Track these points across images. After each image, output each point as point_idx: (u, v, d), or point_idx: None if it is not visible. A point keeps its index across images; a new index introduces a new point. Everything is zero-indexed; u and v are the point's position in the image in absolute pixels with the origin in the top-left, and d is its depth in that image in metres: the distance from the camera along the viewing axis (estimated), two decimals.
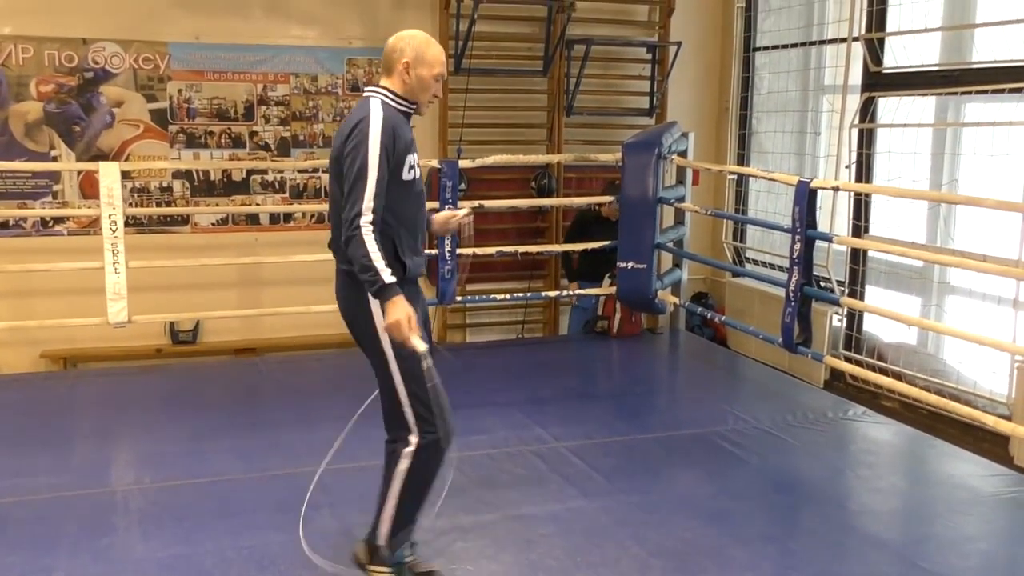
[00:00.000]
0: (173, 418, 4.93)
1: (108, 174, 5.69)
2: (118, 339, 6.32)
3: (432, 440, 3.00)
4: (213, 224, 6.82)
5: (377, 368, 3.03)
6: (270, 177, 6.91)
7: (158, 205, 6.66)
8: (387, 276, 2.84)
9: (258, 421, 4.87)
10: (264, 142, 6.85)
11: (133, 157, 6.57)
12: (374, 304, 2.93)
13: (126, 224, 5.77)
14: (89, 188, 6.34)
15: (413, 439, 3.00)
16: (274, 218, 6.96)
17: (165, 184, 6.69)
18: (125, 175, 6.26)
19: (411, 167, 3.02)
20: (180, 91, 6.63)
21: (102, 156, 6.42)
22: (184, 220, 6.75)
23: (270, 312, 6.50)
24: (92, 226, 6.25)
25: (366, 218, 2.84)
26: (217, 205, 6.79)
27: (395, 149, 2.94)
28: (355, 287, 2.97)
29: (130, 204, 6.48)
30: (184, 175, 6.71)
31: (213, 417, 4.92)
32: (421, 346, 2.85)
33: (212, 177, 6.77)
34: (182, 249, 6.53)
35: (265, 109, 6.83)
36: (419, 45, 3.05)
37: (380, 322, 2.92)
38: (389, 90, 3.06)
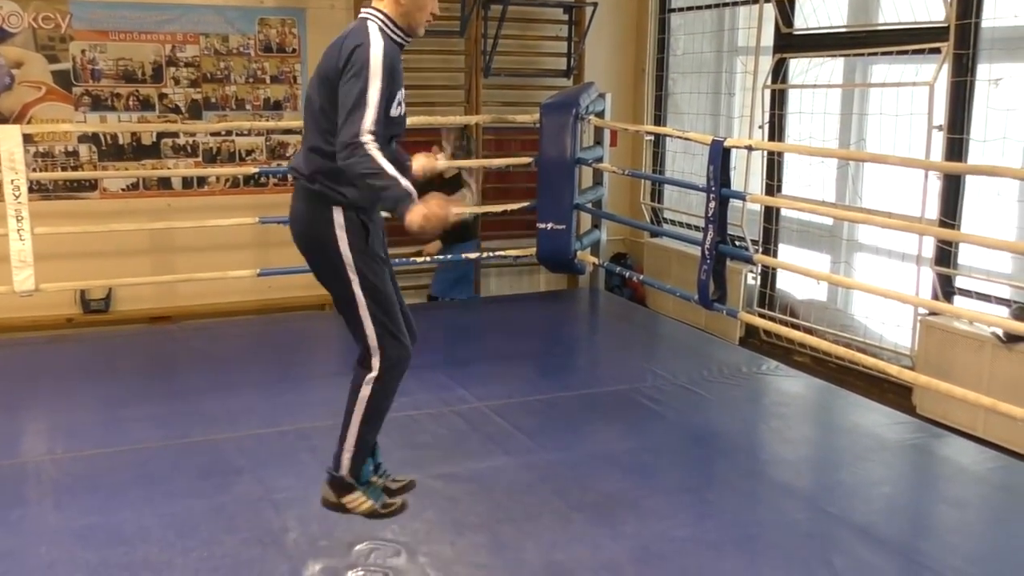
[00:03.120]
0: (86, 388, 4.82)
1: (8, 138, 5.46)
2: (26, 309, 6.12)
3: (394, 359, 2.95)
4: (123, 189, 6.63)
5: (339, 293, 2.96)
6: (182, 141, 6.73)
7: (64, 170, 6.44)
8: (406, 183, 2.72)
9: (175, 389, 4.79)
10: (174, 105, 6.66)
11: (36, 120, 6.32)
12: (338, 225, 2.88)
13: (30, 190, 5.57)
14: None
15: (376, 363, 2.94)
16: (187, 183, 6.79)
17: (71, 148, 6.46)
18: (27, 139, 6.01)
19: (399, 103, 2.94)
20: (83, 52, 6.39)
21: (2, 119, 6.16)
22: (92, 185, 6.54)
23: (185, 279, 6.37)
24: None
25: (368, 136, 2.72)
26: (127, 170, 6.59)
27: (392, 82, 2.84)
28: (318, 208, 2.90)
29: (34, 169, 6.25)
30: (91, 139, 6.49)
31: (128, 386, 4.82)
32: (463, 204, 2.82)
33: (121, 141, 6.56)
34: (91, 215, 6.33)
35: (174, 71, 6.63)
36: None
37: (344, 243, 2.87)
38: (385, 15, 2.93)
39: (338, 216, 2.89)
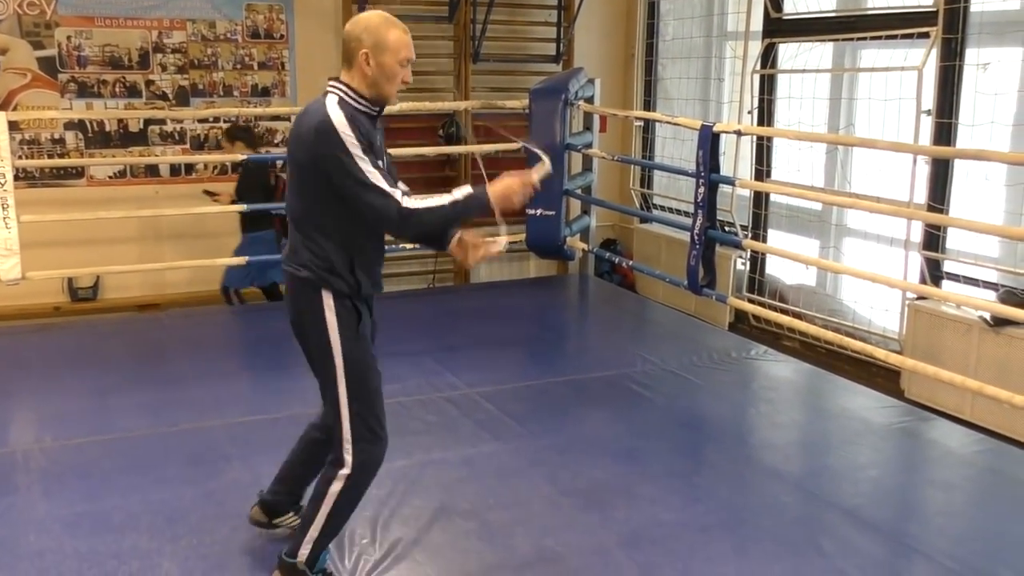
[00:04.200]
0: (75, 376, 4.80)
1: None
2: (13, 297, 6.10)
3: (366, 459, 2.84)
4: (110, 177, 6.60)
5: (324, 382, 2.84)
6: (169, 127, 6.70)
7: (50, 157, 6.40)
8: (461, 194, 2.72)
9: (164, 377, 4.77)
10: (161, 91, 6.63)
11: (21, 107, 6.28)
12: (328, 313, 2.76)
13: (16, 177, 5.54)
14: None
15: (348, 459, 2.81)
16: (175, 170, 6.76)
17: (57, 135, 6.43)
18: (13, 126, 5.98)
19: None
20: (69, 38, 6.34)
21: None
22: (79, 173, 6.51)
23: (173, 266, 6.35)
24: None
25: (399, 199, 2.63)
26: (114, 157, 6.55)
27: (368, 146, 2.69)
28: (306, 296, 2.78)
29: (20, 156, 6.21)
30: (77, 126, 6.46)
31: (117, 374, 4.80)
32: (542, 169, 2.84)
33: (107, 128, 6.53)
34: (78, 203, 6.31)
35: (161, 57, 6.60)
36: (377, 30, 2.70)
37: (335, 332, 2.76)
38: (349, 86, 2.74)
39: (328, 301, 2.76)
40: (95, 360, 5.06)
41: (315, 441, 3.04)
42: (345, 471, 2.81)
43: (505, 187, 2.76)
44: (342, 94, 2.74)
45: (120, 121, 6.55)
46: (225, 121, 6.68)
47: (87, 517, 3.32)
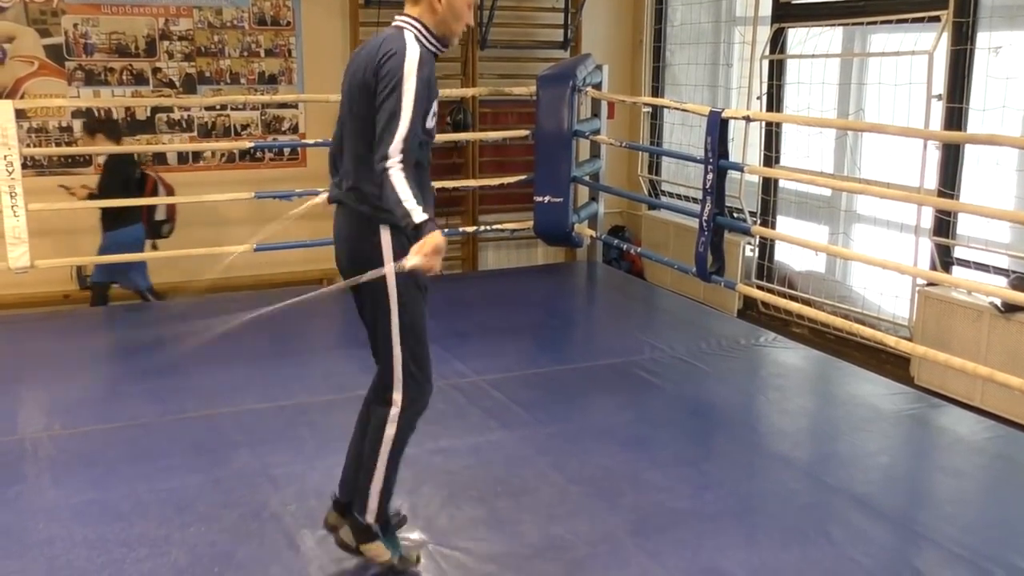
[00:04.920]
0: (83, 364, 4.81)
1: (1, 113, 5.42)
2: (21, 286, 6.10)
3: (416, 398, 2.87)
4: None
5: (376, 319, 2.83)
6: (176, 115, 6.69)
7: (58, 145, 6.40)
8: (418, 215, 2.58)
9: (172, 365, 4.76)
10: (168, 79, 6.62)
11: (28, 95, 6.28)
12: (387, 250, 2.74)
13: (24, 166, 5.54)
14: None
15: (398, 398, 2.83)
16: (182, 158, 6.75)
17: (65, 123, 6.42)
18: (20, 114, 5.97)
19: (433, 114, 2.80)
20: (76, 25, 6.33)
21: None
22: (87, 161, 6.50)
23: (180, 254, 6.34)
24: None
25: (396, 159, 2.61)
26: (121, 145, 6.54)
27: (428, 92, 2.71)
28: (365, 232, 2.77)
29: (27, 145, 6.21)
30: (85, 114, 6.45)
31: (125, 362, 4.82)
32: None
33: (114, 115, 6.52)
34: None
35: (168, 44, 6.58)
36: None
37: (391, 268, 2.71)
38: (420, 23, 2.77)
39: (386, 238, 2.75)
40: (103, 348, 5.07)
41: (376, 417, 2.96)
42: (395, 410, 2.84)
43: (433, 247, 2.57)
44: (416, 31, 2.77)
45: (127, 109, 6.54)
46: (252, 108, 6.66)
47: (96, 505, 3.33)
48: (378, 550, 2.92)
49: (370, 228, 2.77)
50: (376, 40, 2.79)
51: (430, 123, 2.78)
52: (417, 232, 2.59)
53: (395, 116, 2.63)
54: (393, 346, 2.82)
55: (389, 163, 2.61)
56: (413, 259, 2.58)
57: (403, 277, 2.74)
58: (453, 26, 2.82)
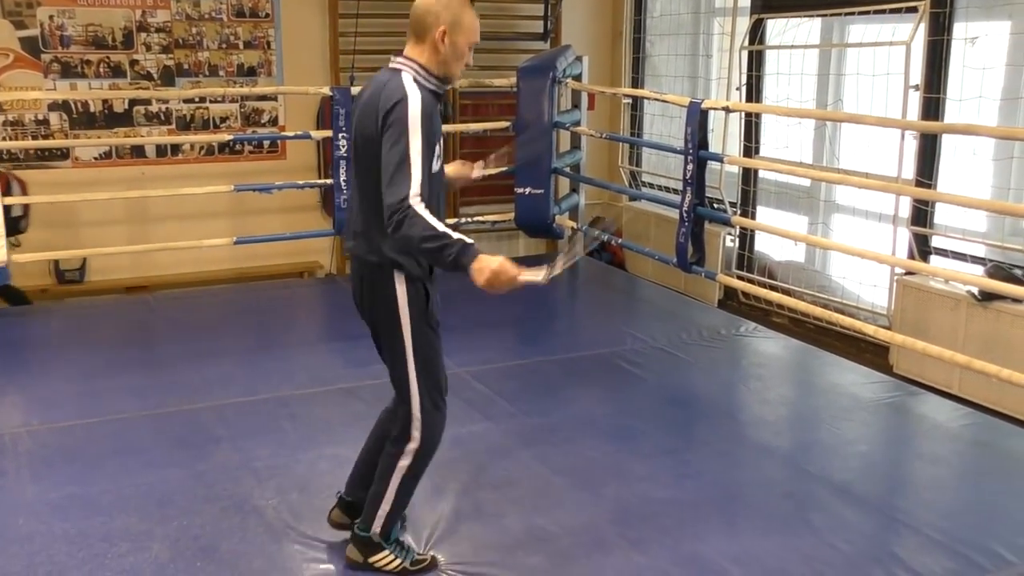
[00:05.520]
0: (62, 358, 4.78)
1: None
2: None
3: (434, 432, 2.89)
4: (95, 158, 6.54)
5: (393, 361, 2.86)
6: (154, 108, 6.63)
7: (34, 139, 6.34)
8: (458, 237, 2.55)
9: (152, 359, 4.75)
10: (146, 71, 6.56)
11: (4, 88, 6.21)
12: (401, 297, 2.76)
13: (0, 159, 5.48)
14: None
15: (416, 435, 2.85)
16: (161, 151, 6.71)
17: (41, 116, 6.36)
18: None
19: (438, 156, 2.76)
20: (51, 17, 6.26)
21: None
22: (64, 154, 6.44)
23: (160, 248, 6.30)
24: None
25: (415, 197, 2.56)
26: (99, 138, 6.49)
27: (431, 136, 2.67)
28: (378, 280, 2.78)
29: (3, 138, 6.15)
30: (61, 107, 6.39)
31: (104, 356, 4.78)
32: (537, 276, 2.63)
33: (92, 108, 6.46)
34: (63, 184, 6.24)
35: (145, 36, 6.52)
36: (457, 10, 2.73)
37: (405, 315, 2.77)
38: (420, 64, 2.73)
39: (400, 285, 2.76)
40: (82, 342, 5.03)
41: (390, 434, 2.98)
42: (413, 445, 2.86)
43: (496, 272, 2.58)
44: (415, 72, 2.73)
45: (105, 102, 6.48)
46: (231, 100, 6.60)
47: (76, 500, 3.31)
48: (387, 558, 2.94)
49: (380, 278, 2.78)
50: (376, 87, 2.73)
51: (435, 166, 2.73)
52: (463, 257, 2.55)
53: (404, 161, 2.59)
54: (411, 386, 2.84)
55: (409, 201, 2.56)
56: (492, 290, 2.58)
57: (415, 319, 2.79)
58: (453, 66, 2.78)
